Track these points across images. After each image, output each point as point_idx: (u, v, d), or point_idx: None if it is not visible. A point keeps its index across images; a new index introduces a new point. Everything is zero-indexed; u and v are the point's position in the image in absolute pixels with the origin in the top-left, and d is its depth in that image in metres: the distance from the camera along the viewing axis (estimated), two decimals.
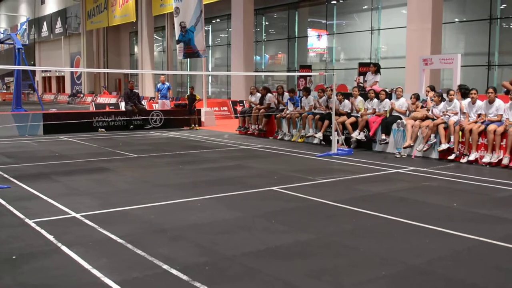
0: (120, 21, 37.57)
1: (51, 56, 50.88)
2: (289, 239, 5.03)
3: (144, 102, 21.89)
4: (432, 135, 10.35)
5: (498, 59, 19.54)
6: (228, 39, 31.94)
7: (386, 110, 11.70)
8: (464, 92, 10.85)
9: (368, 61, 22.71)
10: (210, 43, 34.22)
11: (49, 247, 4.78)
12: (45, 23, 50.43)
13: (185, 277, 4.01)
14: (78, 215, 5.88)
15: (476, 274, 4.16)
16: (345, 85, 21.36)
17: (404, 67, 18.70)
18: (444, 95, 10.79)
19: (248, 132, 15.32)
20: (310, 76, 20.47)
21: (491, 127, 9.50)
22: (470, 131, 9.75)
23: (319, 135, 12.65)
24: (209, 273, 4.12)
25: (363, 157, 10.61)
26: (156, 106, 19.52)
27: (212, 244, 4.87)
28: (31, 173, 8.72)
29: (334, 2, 26.28)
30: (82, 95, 41.58)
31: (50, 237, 5.03)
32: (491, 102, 9.88)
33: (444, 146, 10.08)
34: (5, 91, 51.39)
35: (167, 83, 19.41)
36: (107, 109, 20.30)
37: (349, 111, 12.47)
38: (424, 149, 10.39)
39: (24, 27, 32.22)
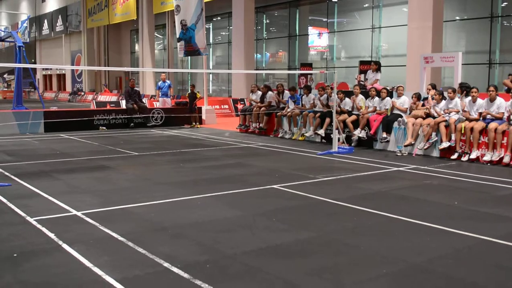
0: (120, 19, 37.54)
1: (52, 54, 50.87)
2: (290, 238, 5.03)
3: (145, 100, 21.89)
4: (433, 133, 10.34)
5: (499, 57, 19.52)
6: (229, 37, 31.93)
7: (387, 109, 11.69)
8: (465, 90, 10.83)
9: (369, 59, 22.71)
10: (211, 41, 34.21)
11: (50, 245, 4.79)
12: (45, 21, 50.41)
13: (186, 275, 4.02)
14: (79, 213, 5.89)
15: (477, 273, 4.16)
16: (346, 83, 21.34)
17: (405, 65, 18.68)
18: (445, 94, 10.79)
19: (249, 130, 15.32)
20: (311, 74, 20.46)
21: (492, 125, 9.49)
22: (471, 129, 9.74)
23: (321, 131, 12.64)
24: (210, 271, 4.13)
25: (364, 155, 10.61)
26: (157, 104, 19.51)
27: (213, 242, 4.88)
28: (32, 171, 8.73)
29: (335, 0, 26.25)
30: (83, 93, 41.57)
31: (51, 235, 5.04)
32: (492, 100, 9.87)
33: (445, 144, 10.08)
34: (6, 89, 51.40)
35: (168, 81, 19.40)
36: (108, 107, 20.29)
37: (350, 109, 12.47)
38: (425, 147, 10.39)
39: (25, 25, 32.19)
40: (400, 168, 9.14)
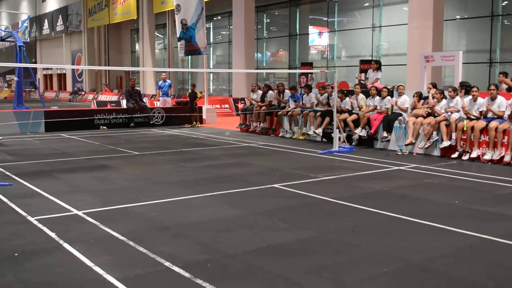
0: (121, 19, 37.54)
1: (52, 54, 50.87)
2: (290, 237, 5.04)
3: (145, 99, 21.89)
4: (434, 133, 10.34)
5: (499, 56, 19.49)
6: (229, 36, 31.91)
7: (387, 108, 11.69)
8: (465, 89, 10.83)
9: (370, 58, 22.69)
10: (211, 40, 34.19)
11: (51, 244, 4.79)
12: (46, 20, 50.42)
13: (187, 274, 4.02)
14: (80, 213, 5.89)
15: (478, 272, 4.16)
16: (347, 82, 21.33)
17: (405, 65, 18.66)
18: (446, 93, 10.79)
19: (250, 130, 15.33)
20: (312, 73, 20.45)
21: (493, 124, 9.49)
22: (472, 128, 9.74)
23: (319, 130, 12.64)
24: (210, 271, 4.13)
25: (364, 155, 10.61)
26: (157, 104, 19.52)
27: (214, 241, 4.88)
28: (33, 171, 8.74)
29: None
30: (83, 93, 41.58)
31: (52, 235, 5.05)
32: (493, 99, 9.87)
33: (446, 143, 10.08)
34: (7, 88, 51.40)
35: (169, 81, 19.40)
36: (108, 107, 20.30)
37: (350, 109, 12.47)
38: (426, 146, 10.39)
39: (25, 24, 32.18)
40: (401, 167, 9.14)
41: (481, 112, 10.02)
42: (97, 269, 4.13)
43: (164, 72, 22.41)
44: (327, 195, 6.80)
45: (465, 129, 9.88)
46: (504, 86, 12.01)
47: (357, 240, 4.95)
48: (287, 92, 14.71)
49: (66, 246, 4.71)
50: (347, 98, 12.59)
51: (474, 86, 10.36)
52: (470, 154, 9.77)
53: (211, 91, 32.01)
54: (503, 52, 19.47)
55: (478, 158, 9.71)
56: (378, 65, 14.24)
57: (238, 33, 25.98)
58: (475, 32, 20.68)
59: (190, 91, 18.08)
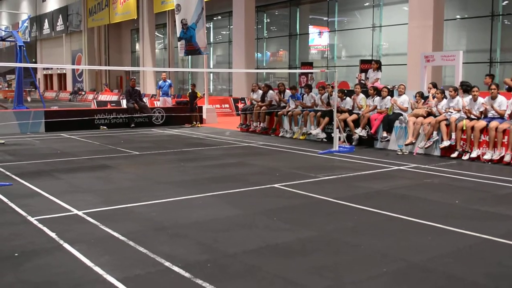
0: (121, 19, 37.54)
1: (53, 54, 50.88)
2: (290, 237, 5.04)
3: (145, 99, 21.89)
4: (434, 132, 10.34)
5: (500, 56, 19.49)
6: (229, 36, 31.91)
7: (387, 108, 11.68)
8: (465, 89, 10.82)
9: (370, 58, 22.69)
10: (211, 40, 34.19)
11: (51, 244, 4.79)
12: (46, 20, 50.43)
13: (187, 274, 4.02)
14: (80, 213, 5.90)
15: (478, 272, 4.16)
16: (347, 82, 21.32)
17: (405, 64, 18.66)
18: (447, 93, 10.79)
19: (250, 129, 15.33)
20: (312, 73, 20.44)
21: (493, 124, 9.49)
22: (472, 128, 9.74)
23: (317, 130, 12.63)
24: (210, 271, 4.13)
25: (364, 155, 10.61)
26: (157, 104, 19.52)
27: (214, 241, 4.88)
28: (33, 171, 8.74)
29: None
30: (83, 93, 41.59)
31: (52, 235, 5.05)
32: (493, 98, 9.87)
33: (446, 143, 10.08)
34: (7, 88, 51.43)
35: (169, 81, 19.40)
36: (108, 107, 20.31)
37: (351, 108, 12.47)
38: (426, 146, 10.39)
39: (25, 24, 32.19)
40: (401, 167, 9.14)
41: (481, 112, 10.02)
42: (97, 269, 4.13)
43: (164, 72, 22.42)
44: (327, 195, 6.80)
45: (464, 128, 9.88)
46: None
47: (357, 240, 4.95)
48: (288, 92, 14.71)
49: (66, 246, 4.71)
50: (348, 98, 12.59)
51: (474, 86, 10.36)
52: (470, 154, 9.77)
53: (211, 91, 32.01)
54: (503, 52, 19.47)
55: (478, 158, 9.70)
56: (378, 65, 14.23)
57: (238, 33, 25.98)
58: (475, 31, 20.67)
59: (190, 91, 18.09)
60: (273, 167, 9.14)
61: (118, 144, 12.52)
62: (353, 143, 11.80)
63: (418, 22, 17.63)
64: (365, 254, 4.55)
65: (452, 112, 10.31)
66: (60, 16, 47.22)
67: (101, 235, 5.07)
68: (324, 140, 12.63)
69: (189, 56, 30.81)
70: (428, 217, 5.70)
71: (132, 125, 16.73)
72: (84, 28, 43.24)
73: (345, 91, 13.17)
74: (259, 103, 15.23)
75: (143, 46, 34.98)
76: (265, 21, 30.97)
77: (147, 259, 4.38)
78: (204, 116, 18.65)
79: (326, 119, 12.51)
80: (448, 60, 14.04)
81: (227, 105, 23.72)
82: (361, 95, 12.52)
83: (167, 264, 4.25)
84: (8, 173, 8.43)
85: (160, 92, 19.04)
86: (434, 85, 11.58)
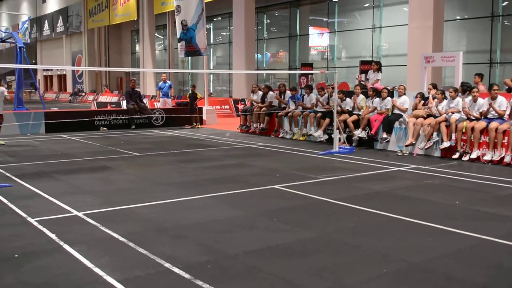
0: (121, 20, 37.55)
1: (53, 55, 50.90)
2: (291, 238, 5.03)
3: (145, 100, 21.88)
4: (434, 133, 10.34)
5: (500, 57, 19.49)
6: (229, 37, 31.92)
7: (387, 108, 11.69)
8: (465, 89, 10.83)
9: (370, 59, 22.68)
10: (211, 41, 34.20)
11: (51, 245, 4.79)
12: (46, 21, 50.45)
13: (187, 276, 4.02)
14: (80, 214, 5.89)
15: (478, 272, 4.16)
16: (347, 83, 21.32)
17: (405, 65, 18.66)
18: (447, 93, 10.79)
19: (250, 131, 15.32)
20: (312, 74, 20.45)
21: (493, 125, 9.49)
22: (472, 129, 9.74)
23: (319, 133, 12.63)
24: (211, 272, 4.13)
25: (364, 155, 10.61)
26: (157, 105, 19.53)
27: (214, 242, 4.88)
28: (33, 172, 8.74)
29: (336, 0, 26.24)
30: (83, 94, 41.59)
31: (52, 236, 5.05)
32: (493, 98, 9.87)
33: (446, 144, 10.08)
34: (7, 89, 51.42)
35: (169, 82, 19.41)
36: (108, 108, 20.30)
37: (351, 109, 12.46)
38: (426, 147, 10.38)
39: (25, 25, 32.23)
40: (401, 168, 9.14)
41: (481, 112, 10.02)
42: (97, 270, 4.13)
43: (164, 73, 22.43)
44: (328, 196, 6.80)
45: (464, 130, 9.88)
46: (482, 87, 11.87)
47: (357, 241, 4.95)
48: (288, 93, 14.71)
49: (66, 247, 4.71)
50: (348, 99, 12.59)
51: (474, 87, 10.37)
52: (470, 155, 9.77)
53: (211, 92, 32.01)
54: (503, 53, 19.47)
55: (478, 159, 9.70)
56: (378, 66, 14.24)
57: (238, 34, 25.99)
58: (475, 32, 20.67)
59: (190, 92, 18.10)
60: (273, 168, 9.14)
61: (118, 145, 12.52)
62: (353, 144, 11.80)
63: (418, 23, 17.63)
64: (365, 255, 4.55)
65: (452, 113, 10.30)
66: (60, 17, 47.23)
67: (101, 236, 5.06)
68: (324, 141, 12.63)
69: (189, 57, 30.83)
70: (428, 218, 5.70)
71: (133, 126, 16.74)
72: (84, 29, 43.26)
73: (344, 92, 13.16)
74: (259, 104, 15.23)
75: (143, 47, 34.99)
76: (265, 22, 30.98)
77: (147, 260, 4.38)
78: (204, 117, 18.66)
79: (327, 120, 12.50)
80: (448, 61, 14.03)
81: (227, 106, 23.72)
82: (361, 96, 12.52)
83: (167, 265, 4.25)
84: (8, 174, 8.43)
85: (160, 93, 19.05)
86: (434, 86, 11.58)
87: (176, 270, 4.14)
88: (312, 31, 28.35)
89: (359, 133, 11.72)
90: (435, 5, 17.24)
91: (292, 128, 13.94)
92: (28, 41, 31.71)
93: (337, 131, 11.28)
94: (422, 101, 11.31)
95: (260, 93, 15.53)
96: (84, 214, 5.86)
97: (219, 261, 4.37)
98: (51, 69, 52.60)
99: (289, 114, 13.99)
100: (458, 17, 21.26)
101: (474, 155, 9.70)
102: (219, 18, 33.31)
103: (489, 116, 9.89)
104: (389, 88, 12.66)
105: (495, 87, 9.94)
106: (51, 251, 4.65)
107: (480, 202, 6.58)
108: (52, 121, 15.47)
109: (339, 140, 11.31)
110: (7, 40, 27.57)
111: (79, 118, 15.99)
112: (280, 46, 30.35)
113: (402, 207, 6.23)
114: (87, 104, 32.75)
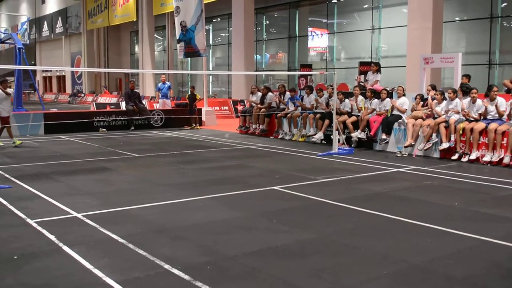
0: (120, 21, 37.57)
1: (52, 56, 50.91)
2: (290, 239, 5.03)
3: (144, 101, 21.89)
4: (434, 134, 10.34)
5: (499, 58, 19.53)
6: (228, 38, 31.94)
7: (387, 110, 11.69)
8: (465, 90, 10.83)
9: (369, 60, 22.70)
10: (210, 42, 34.22)
11: (51, 247, 4.79)
12: (45, 22, 50.46)
13: (186, 277, 4.02)
14: (79, 215, 5.89)
15: (477, 273, 4.16)
16: (346, 84, 21.35)
17: (405, 66, 18.69)
18: (446, 95, 10.79)
19: (249, 132, 15.32)
20: (311, 75, 20.47)
21: (492, 126, 9.49)
22: (471, 130, 9.74)
23: (319, 135, 12.64)
24: (210, 273, 4.13)
25: (364, 157, 10.61)
26: (157, 106, 19.53)
27: (213, 244, 4.88)
28: (32, 173, 8.73)
29: (335, 1, 26.27)
30: (82, 95, 41.59)
31: (52, 237, 5.04)
32: (492, 99, 9.88)
33: (445, 145, 10.08)
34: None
35: (168, 83, 19.40)
36: (108, 109, 20.29)
37: (350, 110, 12.47)
38: (425, 148, 10.39)
39: (24, 26, 32.27)
40: (400, 169, 9.14)
41: (480, 113, 10.03)
42: (97, 271, 4.13)
43: (163, 74, 22.43)
44: (327, 197, 6.80)
45: (461, 132, 9.88)
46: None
47: (356, 242, 4.95)
48: (287, 94, 14.71)
49: (66, 248, 4.70)
50: (347, 100, 12.59)
51: (473, 88, 10.38)
52: (470, 156, 9.77)
53: (210, 93, 32.02)
54: (502, 54, 19.50)
55: (477, 160, 9.71)
56: (377, 67, 14.25)
57: (238, 35, 26.01)
58: (474, 33, 20.71)
59: (189, 93, 18.10)
60: (273, 169, 9.14)
61: (118, 146, 12.52)
62: (352, 145, 11.80)
63: (417, 24, 17.65)
64: (364, 256, 4.55)
65: (450, 114, 10.32)
66: (60, 18, 47.25)
67: (101, 238, 5.06)
68: (324, 142, 12.63)
69: (189, 58, 30.84)
70: (428, 219, 5.70)
71: (132, 127, 16.73)
72: (84, 30, 43.27)
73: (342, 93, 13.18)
74: (259, 105, 15.23)
75: (142, 48, 35.00)
76: (265, 23, 31.01)
77: (147, 262, 4.37)
78: (204, 118, 18.66)
79: (326, 121, 12.50)
80: (447, 62, 14.05)
81: (226, 107, 23.73)
82: (360, 97, 12.52)
83: (166, 266, 4.25)
84: (7, 175, 8.42)
85: (160, 94, 19.05)
86: (433, 87, 11.60)
87: (175, 271, 4.14)
88: (311, 32, 28.35)
89: (357, 134, 11.73)
90: (434, 6, 17.27)
91: (291, 129, 13.94)
92: (27, 42, 31.77)
93: (337, 132, 11.29)
94: (421, 103, 11.32)
95: (259, 94, 15.53)
96: (83, 215, 5.86)
97: (218, 262, 4.37)
98: (50, 70, 52.61)
99: (288, 115, 13.99)
100: (457, 18, 21.29)
101: (473, 156, 9.71)
102: (219, 19, 33.34)
103: (489, 116, 9.89)
104: (388, 89, 12.67)
105: (495, 88, 9.95)
106: (51, 252, 4.65)
107: (479, 203, 6.58)
108: (51, 122, 15.47)
109: (339, 141, 11.31)
110: (6, 41, 27.56)
111: (78, 119, 15.97)
112: (279, 47, 30.37)
113: (402, 208, 6.24)
114: (86, 105, 32.75)
